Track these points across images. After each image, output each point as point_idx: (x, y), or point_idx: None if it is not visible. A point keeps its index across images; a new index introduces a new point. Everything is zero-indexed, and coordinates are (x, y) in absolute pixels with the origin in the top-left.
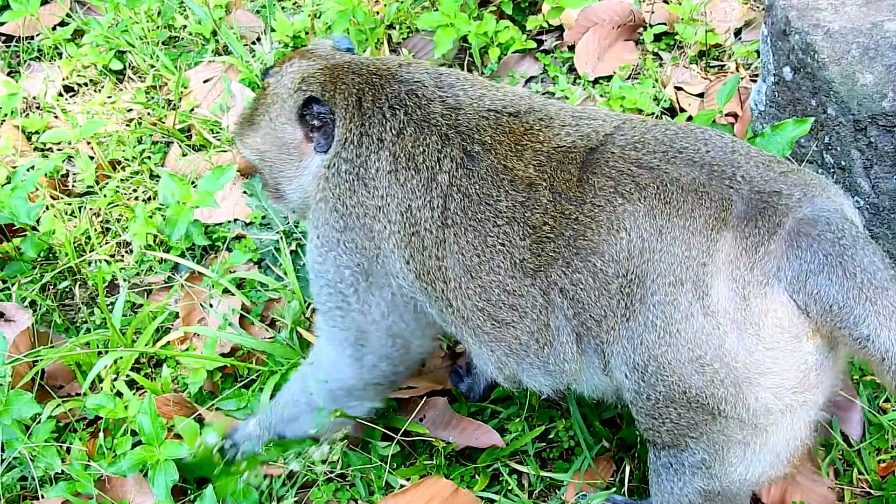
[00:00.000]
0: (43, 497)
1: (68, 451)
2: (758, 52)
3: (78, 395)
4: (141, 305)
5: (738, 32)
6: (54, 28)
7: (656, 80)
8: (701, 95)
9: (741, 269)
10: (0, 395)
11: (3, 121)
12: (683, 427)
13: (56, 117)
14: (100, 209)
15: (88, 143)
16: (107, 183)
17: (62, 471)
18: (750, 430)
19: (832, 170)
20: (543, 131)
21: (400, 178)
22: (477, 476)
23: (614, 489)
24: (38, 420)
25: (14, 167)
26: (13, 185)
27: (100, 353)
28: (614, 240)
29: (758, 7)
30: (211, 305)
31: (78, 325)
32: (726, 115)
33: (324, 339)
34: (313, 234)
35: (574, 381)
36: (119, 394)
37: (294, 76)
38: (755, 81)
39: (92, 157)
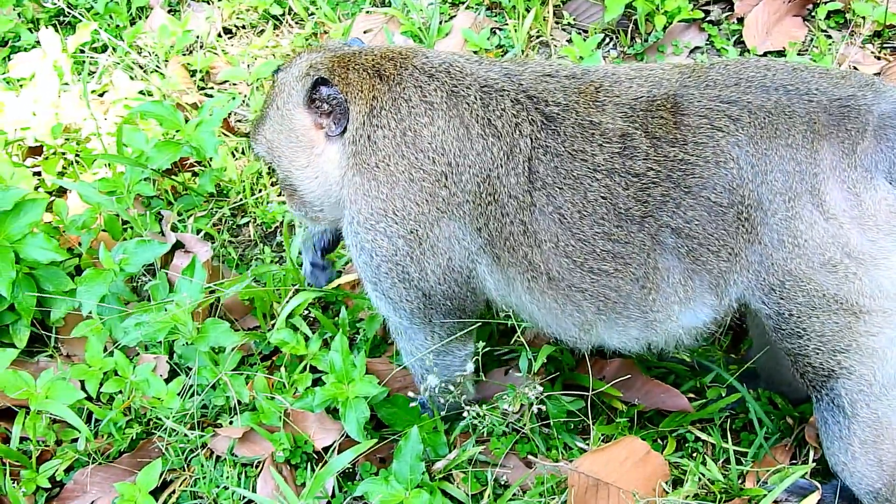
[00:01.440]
0: (223, 426)
1: (245, 382)
2: None
3: (252, 329)
4: None
5: None
6: None
7: (833, 58)
8: (877, 75)
9: (846, 170)
10: (188, 321)
11: (167, 60)
12: (829, 338)
13: (217, 56)
14: None
15: (250, 85)
16: None
17: (244, 402)
18: (895, 320)
19: None
20: (615, 87)
21: (476, 146)
22: (659, 440)
23: (800, 474)
24: (219, 351)
25: (192, 105)
26: (200, 119)
27: (276, 290)
28: (724, 171)
29: None
30: None
31: (248, 261)
32: None
33: (393, 319)
34: (353, 211)
35: (670, 328)
36: (294, 328)
37: (301, 65)
38: None
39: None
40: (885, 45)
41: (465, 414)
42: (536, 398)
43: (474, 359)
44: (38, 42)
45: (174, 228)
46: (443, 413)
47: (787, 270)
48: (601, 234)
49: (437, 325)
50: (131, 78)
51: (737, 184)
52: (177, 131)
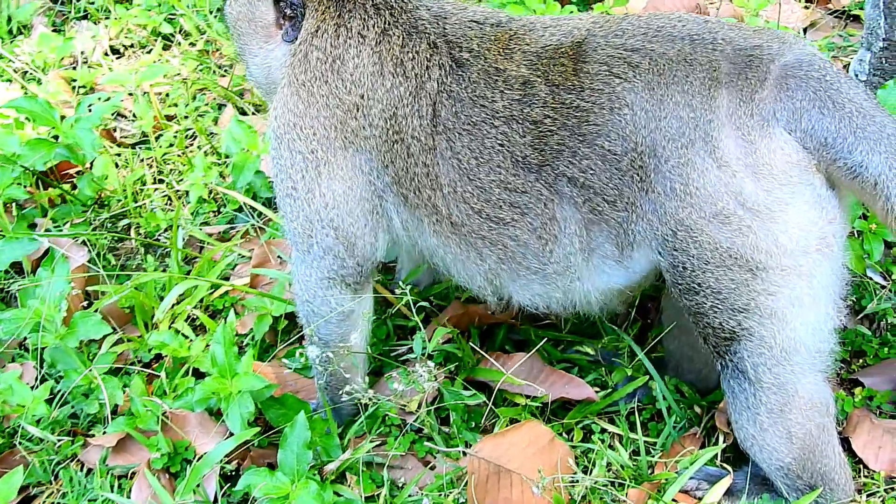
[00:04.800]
0: (95, 435)
1: (123, 390)
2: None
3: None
4: (196, 258)
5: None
6: None
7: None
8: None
9: (742, 117)
10: (55, 316)
11: (46, 71)
12: (727, 296)
13: (102, 72)
14: (153, 160)
15: (145, 93)
16: (161, 135)
17: (118, 404)
18: (796, 279)
19: None
20: (528, 34)
21: (386, 83)
22: (564, 433)
23: (709, 456)
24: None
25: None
26: (76, 116)
27: (160, 297)
28: (618, 118)
29: (821, 10)
30: (280, 258)
31: (130, 270)
32: None
33: (287, 237)
34: (272, 118)
35: (572, 283)
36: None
37: None
38: None
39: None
40: None
41: (357, 396)
42: (432, 379)
43: (361, 332)
44: None
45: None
46: (337, 407)
47: (678, 220)
48: (497, 181)
49: (315, 259)
50: (7, 89)
51: (630, 130)
52: (53, 129)
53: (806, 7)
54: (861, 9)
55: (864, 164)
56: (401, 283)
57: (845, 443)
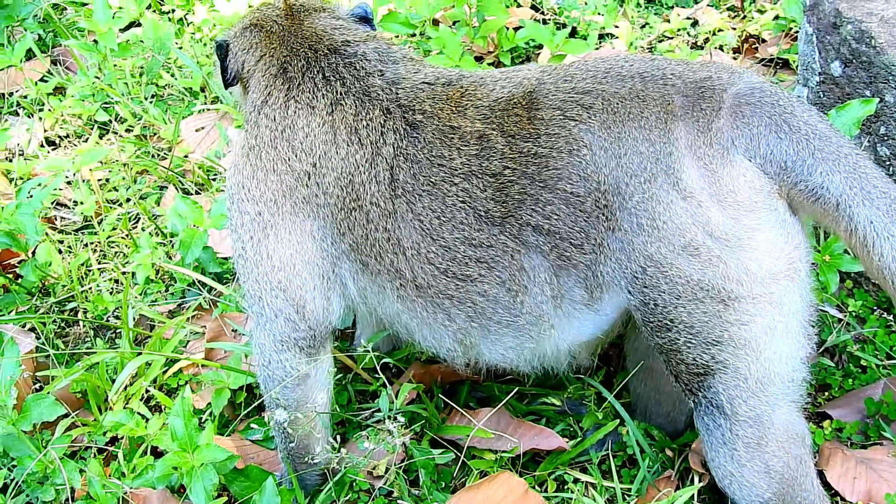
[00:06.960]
0: None
1: (80, 474)
2: None
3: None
4: (148, 338)
5: None
6: (35, 83)
7: None
8: None
9: (701, 148)
10: (6, 401)
11: None
12: (699, 330)
13: (38, 163)
14: (97, 244)
15: (85, 181)
16: (103, 219)
17: (76, 488)
18: (767, 307)
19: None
20: (479, 90)
21: (340, 151)
22: (537, 486)
23: (687, 497)
24: (47, 443)
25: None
26: (17, 202)
27: (112, 379)
28: (578, 159)
29: (750, 59)
30: (234, 331)
31: (79, 357)
32: None
33: (244, 299)
34: (227, 176)
35: (545, 332)
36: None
37: (255, 19)
38: None
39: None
40: None
41: (327, 457)
42: (401, 435)
43: (325, 394)
44: None
45: None
46: (302, 475)
47: (647, 255)
48: (461, 238)
49: (268, 321)
50: None
51: (591, 170)
52: None
53: (734, 58)
54: (789, 54)
55: (825, 186)
56: (363, 342)
57: (820, 476)
